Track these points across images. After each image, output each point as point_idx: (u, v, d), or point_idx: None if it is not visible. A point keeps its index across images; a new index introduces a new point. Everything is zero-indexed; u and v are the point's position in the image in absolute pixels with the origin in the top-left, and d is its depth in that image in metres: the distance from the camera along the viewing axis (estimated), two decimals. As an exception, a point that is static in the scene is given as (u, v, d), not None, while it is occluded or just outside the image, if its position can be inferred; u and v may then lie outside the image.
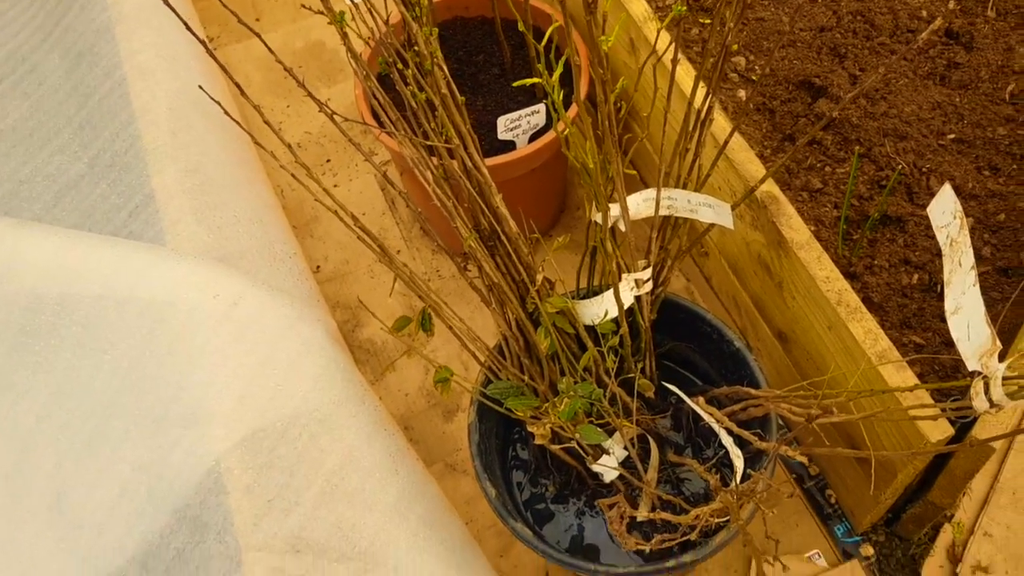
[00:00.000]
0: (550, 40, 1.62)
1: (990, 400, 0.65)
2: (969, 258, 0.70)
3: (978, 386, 0.66)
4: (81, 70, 1.78)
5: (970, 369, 0.69)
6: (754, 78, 1.47)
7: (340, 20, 1.00)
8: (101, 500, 1.13)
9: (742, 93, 1.46)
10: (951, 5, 1.53)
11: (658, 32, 0.95)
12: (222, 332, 1.25)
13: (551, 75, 0.96)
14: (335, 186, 1.85)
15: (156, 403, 1.20)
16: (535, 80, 0.92)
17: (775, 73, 1.47)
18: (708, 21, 1.55)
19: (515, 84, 1.04)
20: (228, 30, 2.11)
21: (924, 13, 1.51)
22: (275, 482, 1.16)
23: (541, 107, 1.41)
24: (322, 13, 1.00)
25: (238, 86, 0.94)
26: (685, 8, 0.78)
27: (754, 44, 1.51)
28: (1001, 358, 0.67)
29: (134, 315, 1.25)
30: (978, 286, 0.68)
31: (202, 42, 0.91)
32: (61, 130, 1.71)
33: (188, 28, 0.88)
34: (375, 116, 1.46)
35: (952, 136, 1.37)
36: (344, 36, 1.00)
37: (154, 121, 1.58)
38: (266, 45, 1.00)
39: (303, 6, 1.03)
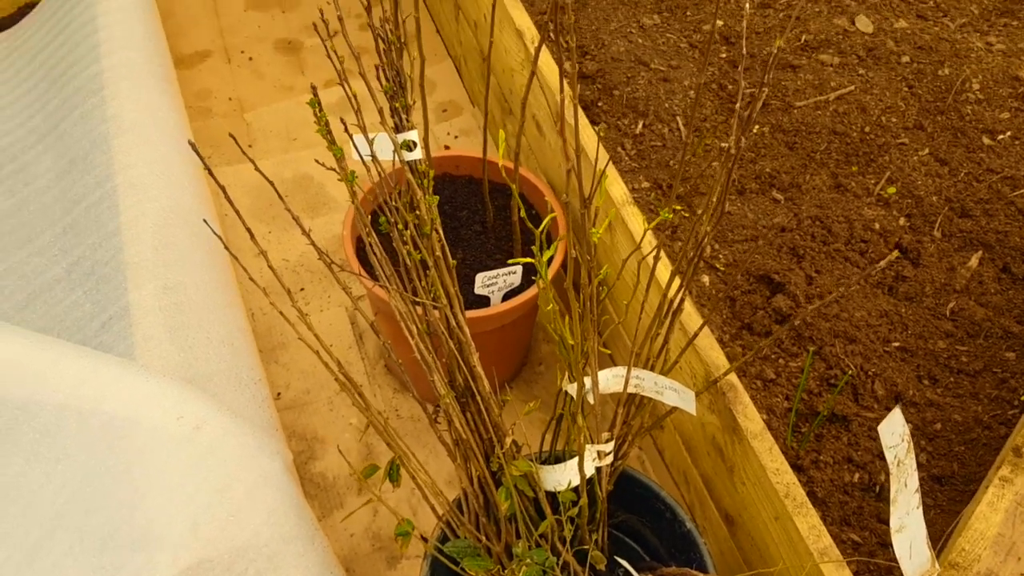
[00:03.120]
0: (529, 209, 1.71)
1: (929, 620, 0.70)
2: (914, 481, 0.76)
3: (919, 605, 0.71)
4: (72, 176, 1.81)
5: (911, 587, 0.74)
6: (718, 266, 1.57)
7: (351, 179, 1.07)
8: (36, 619, 1.10)
9: (706, 278, 1.55)
10: (901, 221, 1.67)
11: (644, 232, 1.03)
12: (182, 455, 1.25)
13: (542, 253, 1.04)
14: (306, 315, 1.88)
15: (106, 521, 1.18)
16: (528, 260, 0.99)
17: (737, 264, 1.57)
18: (679, 208, 1.67)
19: (510, 262, 1.11)
20: (219, 152, 2.18)
21: (877, 226, 1.64)
22: (216, 617, 1.15)
23: (518, 268, 1.48)
24: (334, 170, 1.08)
25: (237, 212, 1.00)
26: (672, 215, 0.86)
27: (719, 235, 1.62)
28: (941, 580, 0.72)
29: (96, 428, 1.25)
30: (921, 508, 0.74)
31: (206, 166, 0.97)
32: (43, 232, 1.73)
33: (195, 150, 0.94)
34: (362, 262, 1.52)
35: (897, 344, 1.47)
36: (353, 195, 1.07)
37: (139, 235, 1.61)
38: (262, 174, 1.06)
39: (316, 161, 1.10)
